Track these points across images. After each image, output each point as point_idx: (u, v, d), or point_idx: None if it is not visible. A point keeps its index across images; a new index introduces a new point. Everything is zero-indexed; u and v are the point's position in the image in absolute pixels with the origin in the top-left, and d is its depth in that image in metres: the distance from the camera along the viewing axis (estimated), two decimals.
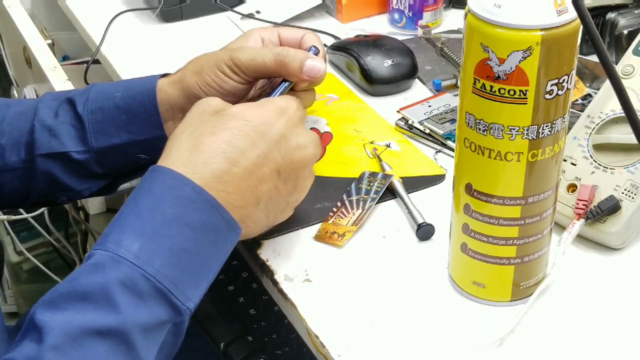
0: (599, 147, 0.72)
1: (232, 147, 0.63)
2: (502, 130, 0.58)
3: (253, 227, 0.66)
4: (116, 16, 1.12)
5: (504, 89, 0.57)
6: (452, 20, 1.12)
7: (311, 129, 0.87)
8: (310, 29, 1.09)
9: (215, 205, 0.61)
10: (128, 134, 0.77)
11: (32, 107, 0.79)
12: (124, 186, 0.95)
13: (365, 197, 0.77)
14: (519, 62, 0.55)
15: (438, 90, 0.94)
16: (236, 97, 0.77)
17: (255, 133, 0.64)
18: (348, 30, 1.09)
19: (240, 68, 0.75)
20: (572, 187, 0.72)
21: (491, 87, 0.57)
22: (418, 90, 0.96)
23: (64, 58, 1.33)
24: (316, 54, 0.77)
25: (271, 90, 0.77)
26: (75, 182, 0.78)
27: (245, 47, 0.77)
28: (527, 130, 0.58)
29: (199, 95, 0.76)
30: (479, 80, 0.58)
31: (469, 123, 0.60)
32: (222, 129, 0.64)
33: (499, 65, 0.56)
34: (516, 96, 0.57)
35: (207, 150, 0.62)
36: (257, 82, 0.79)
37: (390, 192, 0.79)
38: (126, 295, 0.55)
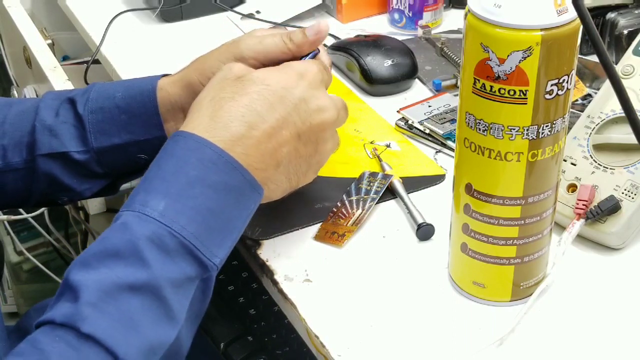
0: (599, 147, 0.72)
1: (250, 111, 0.64)
2: (502, 130, 0.58)
3: (275, 189, 0.67)
4: (116, 16, 1.12)
5: (504, 89, 0.57)
6: (452, 20, 1.12)
7: None
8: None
9: (236, 166, 0.62)
10: (128, 134, 0.77)
11: (33, 107, 0.79)
12: (124, 186, 0.95)
13: (365, 197, 0.77)
14: (519, 62, 0.55)
15: (438, 90, 0.94)
16: None
17: (275, 97, 0.66)
18: (348, 30, 1.09)
19: (249, 53, 0.75)
20: (572, 187, 0.72)
21: (491, 87, 0.57)
22: (418, 90, 0.96)
23: (64, 58, 1.33)
24: (315, 55, 0.77)
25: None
26: (75, 182, 0.78)
27: (251, 34, 0.77)
28: (527, 130, 0.58)
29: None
30: (479, 80, 0.58)
31: (469, 123, 0.60)
32: (241, 94, 0.65)
33: (499, 65, 0.56)
34: (516, 96, 0.57)
35: (226, 115, 0.64)
36: None
37: (390, 192, 0.79)
38: (154, 251, 0.57)
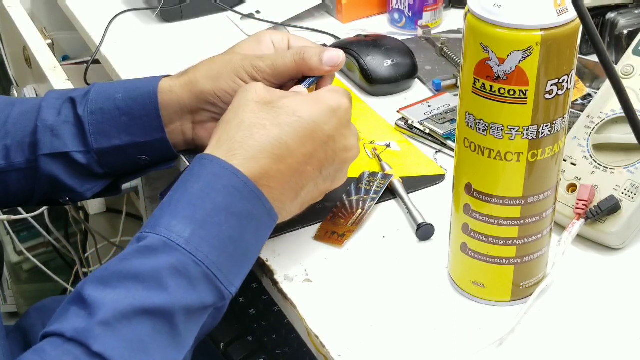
0: (599, 147, 0.72)
1: (280, 143, 0.64)
2: (502, 130, 0.58)
3: (285, 217, 0.68)
4: (116, 16, 1.12)
5: (504, 89, 0.57)
6: (452, 20, 1.12)
7: None
8: (311, 30, 1.09)
9: (259, 195, 0.63)
10: (129, 136, 0.77)
11: (35, 107, 0.79)
12: (125, 187, 0.95)
13: (365, 197, 0.77)
14: (519, 62, 0.55)
15: (438, 90, 0.94)
16: None
17: (305, 131, 0.66)
18: (348, 30, 1.09)
19: (262, 75, 0.75)
20: (572, 187, 0.72)
21: (491, 87, 0.57)
22: (418, 90, 0.96)
23: (64, 58, 1.33)
24: (317, 81, 0.78)
25: (295, 85, 0.77)
26: (77, 183, 0.79)
27: (264, 55, 0.77)
28: (527, 130, 0.58)
29: (212, 101, 0.76)
30: (479, 80, 0.58)
31: (469, 123, 0.60)
32: (273, 123, 0.65)
33: (499, 65, 0.56)
34: (516, 96, 0.57)
35: (257, 144, 0.64)
36: None
37: (390, 192, 0.79)
38: (176, 278, 0.57)
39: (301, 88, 0.73)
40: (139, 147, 0.78)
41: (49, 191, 0.79)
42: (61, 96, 0.79)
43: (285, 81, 0.77)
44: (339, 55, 0.76)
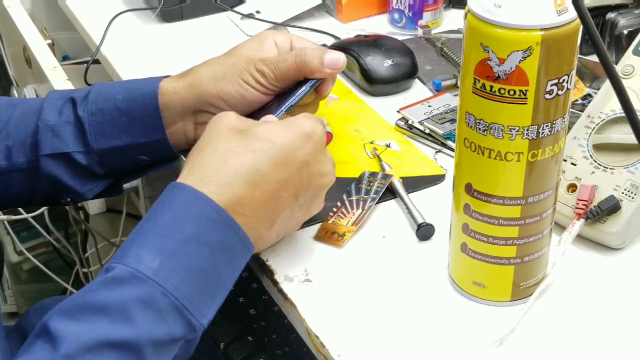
0: (599, 147, 0.72)
1: (254, 169, 0.63)
2: (502, 130, 0.58)
3: (262, 246, 0.68)
4: (116, 16, 1.12)
5: (504, 89, 0.57)
6: (452, 20, 1.12)
7: None
8: (311, 30, 1.09)
9: (232, 224, 0.62)
10: (129, 137, 0.77)
11: (37, 107, 0.79)
12: (125, 187, 0.95)
13: (365, 197, 0.77)
14: (519, 62, 0.55)
15: (438, 90, 0.94)
16: (254, 106, 0.78)
17: (279, 156, 0.65)
18: (348, 30, 1.09)
19: (267, 79, 0.75)
20: (572, 187, 0.72)
21: (491, 87, 0.57)
22: (418, 90, 0.96)
23: (64, 58, 1.33)
24: (317, 83, 0.78)
25: (296, 87, 0.77)
26: (77, 183, 0.79)
27: (267, 58, 0.77)
28: (527, 130, 0.58)
29: (215, 103, 0.76)
30: (479, 80, 0.58)
31: (469, 123, 0.60)
32: (246, 149, 0.64)
33: (499, 65, 0.56)
34: (516, 96, 0.57)
35: (230, 171, 0.63)
36: None
37: (390, 192, 0.79)
38: (144, 311, 0.56)
39: (271, 117, 0.72)
40: (139, 147, 0.78)
41: (50, 192, 0.79)
42: (62, 96, 0.79)
43: (288, 83, 0.77)
44: (340, 57, 0.76)
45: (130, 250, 0.58)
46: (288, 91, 0.78)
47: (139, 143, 0.77)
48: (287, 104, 0.76)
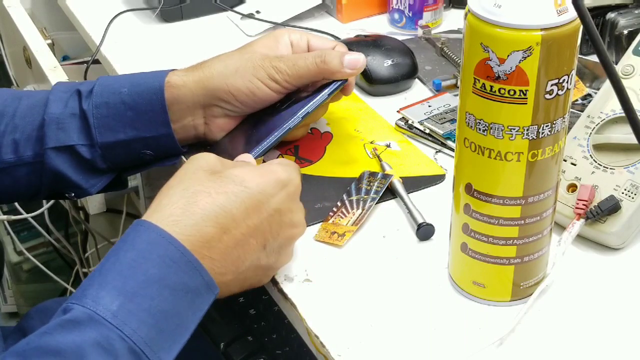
0: (599, 147, 0.72)
1: (225, 212, 0.61)
2: (502, 130, 0.58)
3: (224, 292, 0.63)
4: (116, 16, 1.12)
5: (504, 89, 0.57)
6: (452, 20, 1.12)
7: (312, 129, 0.87)
8: (311, 30, 1.09)
9: (197, 267, 0.59)
10: (134, 130, 0.77)
11: (43, 100, 0.79)
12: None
13: (365, 197, 0.77)
14: (519, 62, 0.55)
15: (438, 90, 0.94)
16: (264, 104, 0.78)
17: (252, 201, 0.63)
18: (348, 30, 1.09)
19: (282, 76, 0.75)
20: (572, 187, 0.72)
21: (491, 87, 0.57)
22: (418, 90, 0.96)
23: (64, 58, 1.33)
24: (343, 85, 0.80)
25: (322, 87, 0.78)
26: (81, 178, 0.79)
27: (284, 56, 0.77)
28: (527, 130, 0.58)
29: (226, 99, 0.76)
30: (479, 80, 0.58)
31: (469, 123, 0.60)
32: (218, 191, 0.62)
33: (499, 65, 0.56)
34: (516, 96, 0.57)
35: (200, 211, 0.61)
36: None
37: (390, 192, 0.79)
38: (100, 355, 0.54)
39: (249, 157, 0.71)
40: (144, 141, 0.78)
41: (55, 186, 0.80)
42: (69, 89, 0.80)
43: (305, 83, 0.77)
44: (359, 58, 0.75)
45: (90, 291, 0.56)
46: (299, 93, 0.79)
47: (143, 137, 0.77)
48: (303, 110, 0.78)
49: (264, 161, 0.74)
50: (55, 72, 1.06)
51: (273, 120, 0.79)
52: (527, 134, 0.58)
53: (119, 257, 0.58)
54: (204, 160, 0.65)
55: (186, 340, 0.59)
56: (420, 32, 1.06)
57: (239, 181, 0.63)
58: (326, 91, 0.79)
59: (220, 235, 0.61)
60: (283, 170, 0.66)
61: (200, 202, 0.61)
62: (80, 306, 0.55)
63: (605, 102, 0.73)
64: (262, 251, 0.65)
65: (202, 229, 0.60)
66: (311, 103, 0.78)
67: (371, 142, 0.86)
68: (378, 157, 0.83)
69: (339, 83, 0.79)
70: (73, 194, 0.80)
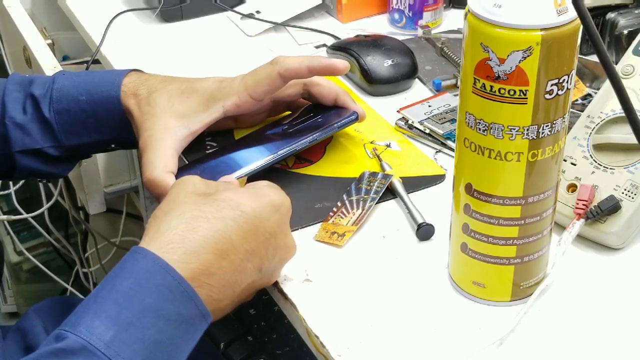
0: (599, 147, 0.72)
1: (224, 238, 0.61)
2: (502, 130, 0.58)
3: (219, 315, 0.63)
4: (116, 16, 1.12)
5: (504, 89, 0.57)
6: (452, 20, 1.12)
7: None
8: (311, 30, 1.09)
9: (193, 297, 0.59)
10: (98, 134, 0.80)
11: None
12: (125, 187, 0.96)
13: (365, 197, 0.77)
14: (519, 62, 0.55)
15: (438, 90, 0.94)
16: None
17: (249, 226, 0.62)
18: (348, 30, 1.09)
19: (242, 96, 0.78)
20: (572, 187, 0.72)
21: (491, 87, 0.57)
22: (418, 90, 0.96)
23: (64, 58, 1.33)
24: (355, 119, 0.82)
25: (336, 119, 0.81)
26: (52, 167, 0.82)
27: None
28: (527, 130, 0.58)
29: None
30: (479, 80, 0.58)
31: (469, 123, 0.60)
32: (216, 216, 0.61)
33: (499, 65, 0.56)
34: (516, 96, 0.57)
35: (199, 239, 0.60)
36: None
37: (390, 192, 0.79)
38: None
39: (230, 178, 0.72)
40: (109, 141, 0.81)
41: (27, 177, 0.84)
42: (21, 87, 0.81)
43: (266, 91, 0.79)
44: (332, 62, 0.78)
45: (84, 319, 0.56)
46: (307, 117, 0.82)
47: (108, 139, 0.81)
48: (302, 142, 0.80)
49: (248, 180, 0.74)
50: (55, 72, 1.05)
51: (276, 140, 0.80)
52: (527, 134, 0.58)
53: (114, 285, 0.58)
54: (191, 184, 0.65)
55: None
56: (420, 32, 1.06)
57: (234, 206, 0.62)
58: (335, 124, 0.81)
59: (219, 262, 0.60)
60: (275, 193, 0.66)
61: (199, 229, 0.60)
62: (73, 335, 0.55)
63: (605, 102, 0.73)
64: (258, 273, 0.64)
65: (201, 256, 0.60)
66: (312, 136, 0.80)
67: (371, 142, 0.86)
68: (378, 157, 0.83)
69: (351, 117, 0.81)
70: (45, 181, 0.84)
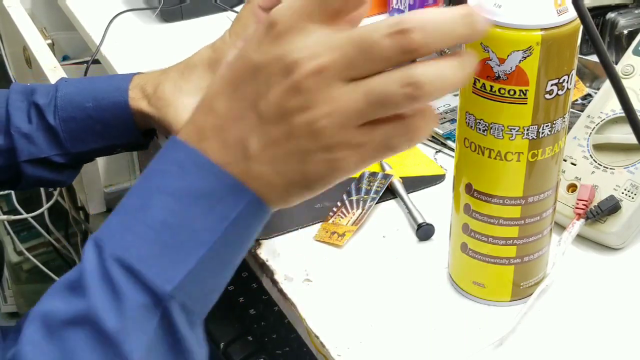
0: (599, 147, 0.72)
1: (209, 92, 0.48)
2: (502, 130, 0.58)
3: (268, 188, 0.49)
4: (116, 16, 1.12)
5: (504, 89, 0.57)
6: None
7: None
8: None
9: (206, 164, 0.47)
10: (105, 140, 0.80)
11: (2, 103, 0.80)
12: (125, 186, 0.96)
13: (365, 197, 0.77)
14: (519, 62, 0.55)
15: None
16: None
17: (233, 68, 0.50)
18: None
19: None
20: (572, 187, 0.72)
21: (491, 87, 0.57)
22: None
23: (64, 58, 1.33)
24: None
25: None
26: (58, 175, 0.82)
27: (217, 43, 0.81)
28: (527, 130, 0.58)
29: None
30: (479, 80, 0.58)
31: (469, 123, 0.60)
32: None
33: (499, 65, 0.56)
34: (516, 96, 0.57)
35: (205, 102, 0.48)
36: None
37: (390, 192, 0.79)
38: (94, 279, 0.46)
39: None
40: (116, 146, 0.81)
41: (34, 186, 0.83)
42: (25, 97, 0.80)
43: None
44: None
45: (103, 225, 0.48)
46: None
47: (116, 144, 0.81)
48: None
49: None
50: (55, 72, 1.06)
51: None
52: (527, 134, 0.58)
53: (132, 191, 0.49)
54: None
55: (204, 255, 0.47)
56: None
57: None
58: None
59: (205, 117, 0.48)
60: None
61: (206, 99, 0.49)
62: (92, 240, 0.48)
63: (605, 102, 0.73)
64: (260, 122, 0.46)
65: (192, 115, 0.48)
66: None
67: None
68: None
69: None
70: (51, 189, 0.84)
